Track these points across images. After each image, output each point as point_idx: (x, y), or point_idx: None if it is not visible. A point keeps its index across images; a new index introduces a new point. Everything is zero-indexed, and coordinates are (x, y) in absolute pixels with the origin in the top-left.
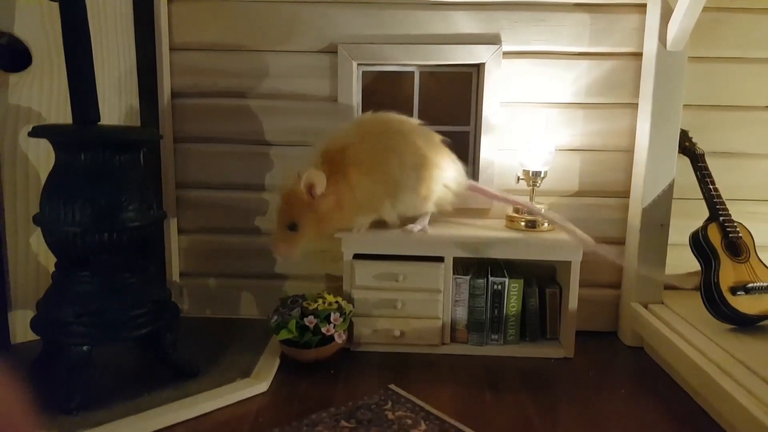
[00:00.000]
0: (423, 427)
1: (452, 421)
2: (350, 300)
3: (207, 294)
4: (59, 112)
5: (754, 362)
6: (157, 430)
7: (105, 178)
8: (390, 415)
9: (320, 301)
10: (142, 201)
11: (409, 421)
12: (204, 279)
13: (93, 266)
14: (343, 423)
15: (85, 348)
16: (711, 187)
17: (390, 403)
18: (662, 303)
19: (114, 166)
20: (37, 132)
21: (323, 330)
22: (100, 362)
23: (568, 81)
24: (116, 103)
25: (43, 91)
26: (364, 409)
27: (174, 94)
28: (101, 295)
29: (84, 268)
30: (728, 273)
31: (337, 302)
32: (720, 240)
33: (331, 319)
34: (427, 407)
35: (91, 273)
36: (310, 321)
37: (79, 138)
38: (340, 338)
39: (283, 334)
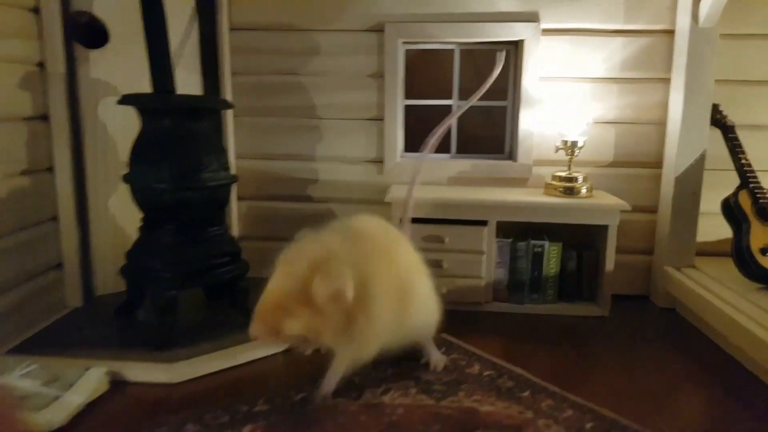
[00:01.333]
0: (477, 367)
1: (502, 363)
2: None
3: (263, 256)
4: (133, 85)
5: None
6: (238, 365)
7: (187, 141)
8: (445, 357)
9: None
10: (218, 163)
11: (464, 363)
12: (260, 242)
13: (178, 220)
14: (404, 362)
15: (172, 292)
16: (741, 156)
17: (444, 348)
18: (694, 267)
19: (195, 131)
20: (126, 100)
21: None
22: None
23: (603, 57)
24: (182, 80)
25: (119, 67)
26: (421, 352)
27: (233, 72)
28: (185, 245)
29: (169, 222)
30: (758, 236)
31: None
32: (750, 205)
33: None
34: (478, 352)
35: (176, 226)
36: None
37: (165, 105)
38: None
39: None
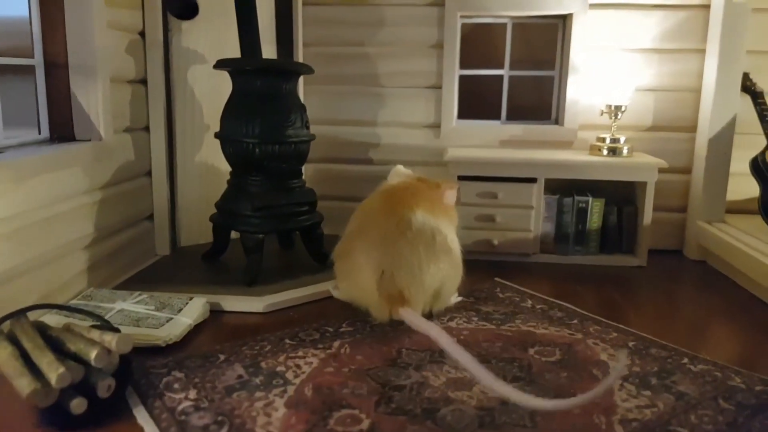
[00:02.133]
0: (530, 302)
1: (552, 299)
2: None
3: (329, 215)
4: (219, 53)
5: None
6: (318, 300)
7: (275, 100)
8: (500, 295)
9: None
10: (301, 120)
11: (518, 299)
12: (326, 202)
13: (264, 171)
14: (463, 298)
15: (260, 236)
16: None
17: (499, 288)
18: (724, 221)
19: (280, 91)
20: (221, 64)
21: None
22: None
23: (644, 29)
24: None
25: (207, 37)
26: (478, 292)
27: (305, 43)
28: (271, 194)
29: (257, 174)
30: None
31: None
32: None
33: None
34: (530, 291)
35: (263, 177)
36: None
37: (255, 67)
38: None
39: None
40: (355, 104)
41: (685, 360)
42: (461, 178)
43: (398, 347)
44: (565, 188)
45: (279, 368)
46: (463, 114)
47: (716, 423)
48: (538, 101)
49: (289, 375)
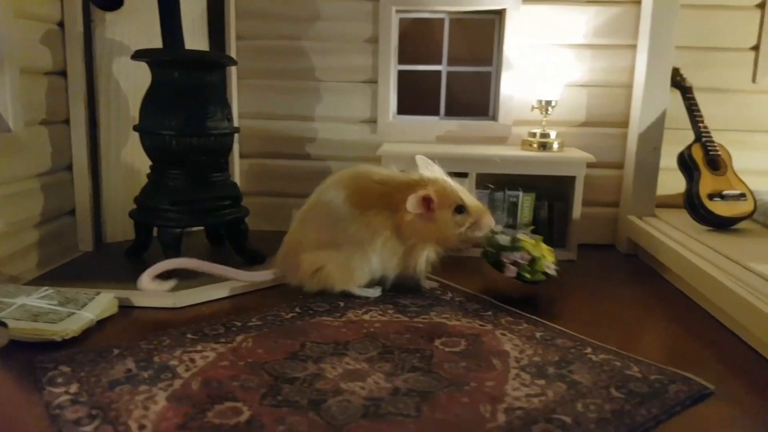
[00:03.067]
0: (450, 295)
1: (474, 292)
2: None
3: (264, 211)
4: (145, 45)
5: (729, 251)
6: (237, 295)
7: (194, 91)
8: (424, 289)
9: (533, 244)
10: (222, 113)
11: (439, 292)
12: (261, 198)
13: (183, 165)
14: (386, 292)
15: (177, 230)
16: (696, 114)
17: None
18: (655, 216)
19: (201, 83)
20: (139, 55)
21: (503, 256)
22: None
23: (578, 24)
24: (190, 43)
25: (133, 29)
26: (402, 285)
27: (238, 37)
28: (190, 188)
29: (176, 167)
30: (707, 183)
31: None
32: (702, 157)
33: (518, 257)
34: (454, 284)
35: (182, 171)
36: (503, 239)
37: (174, 58)
38: (509, 272)
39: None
40: (291, 99)
41: (589, 350)
42: None
43: (303, 341)
44: (501, 183)
45: (172, 362)
46: (406, 110)
47: (601, 411)
48: (481, 98)
49: (181, 369)
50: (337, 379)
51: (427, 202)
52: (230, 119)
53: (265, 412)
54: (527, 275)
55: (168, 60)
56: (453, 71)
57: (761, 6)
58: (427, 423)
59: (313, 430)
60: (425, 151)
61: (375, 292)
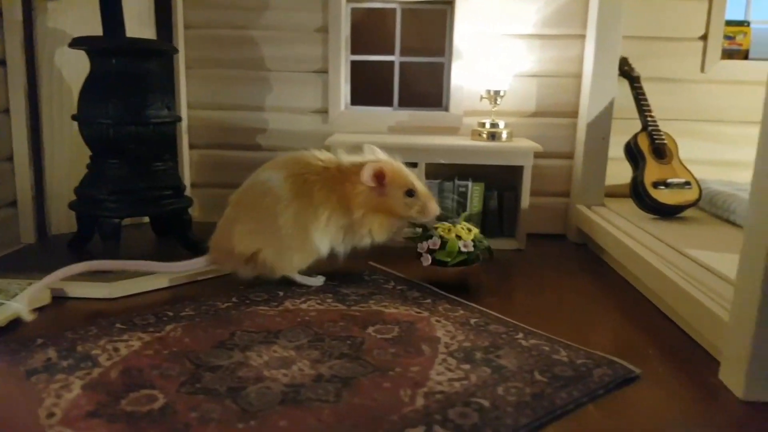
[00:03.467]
0: (392, 284)
1: (418, 281)
2: None
3: (214, 202)
4: (89, 33)
5: (670, 238)
6: (178, 285)
7: (132, 80)
8: (366, 278)
9: (463, 229)
10: (162, 101)
11: (382, 281)
12: (212, 189)
13: (122, 154)
14: (328, 282)
15: (116, 220)
16: (643, 103)
17: (367, 271)
18: (604, 205)
19: (139, 71)
20: (77, 43)
21: (418, 245)
22: (125, 244)
23: (528, 14)
24: (136, 33)
25: (74, 17)
26: (345, 275)
27: (186, 26)
28: (130, 177)
29: (115, 156)
30: (652, 171)
31: (473, 241)
32: (648, 145)
33: (429, 243)
34: (398, 273)
35: (121, 160)
36: (414, 232)
37: (111, 46)
38: (425, 261)
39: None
40: (241, 89)
41: (520, 335)
42: None
43: (234, 330)
44: (453, 174)
45: (94, 352)
46: (364, 100)
47: (522, 395)
48: (436, 88)
49: (103, 358)
50: (261, 367)
51: (380, 176)
52: (171, 108)
53: (181, 399)
54: (445, 258)
55: (105, 48)
56: (407, 62)
57: None
58: (343, 408)
59: (225, 417)
60: (375, 141)
61: (317, 281)
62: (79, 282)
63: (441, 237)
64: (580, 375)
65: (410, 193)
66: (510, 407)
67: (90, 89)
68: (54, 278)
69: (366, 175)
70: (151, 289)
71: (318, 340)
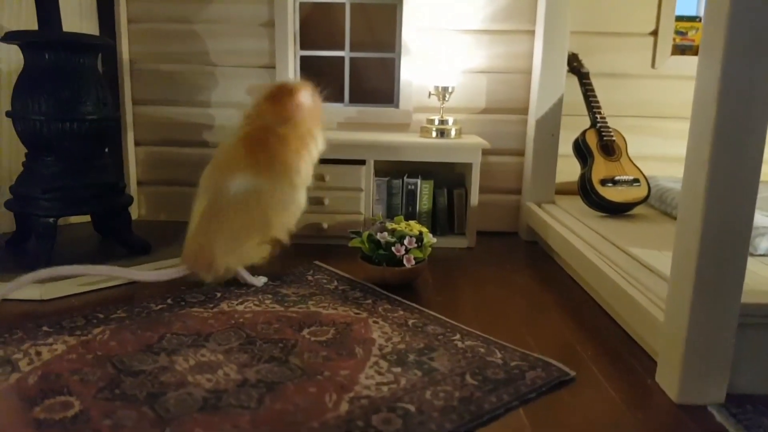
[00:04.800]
0: (335, 284)
1: (361, 281)
2: None
3: (161, 200)
4: (25, 27)
5: (614, 236)
6: (111, 286)
7: (66, 75)
8: (309, 278)
9: (404, 225)
10: (98, 98)
11: (324, 281)
12: (159, 187)
13: (57, 152)
14: (270, 283)
15: (50, 219)
16: (592, 99)
17: (312, 271)
18: (553, 203)
19: (74, 66)
20: (9, 37)
21: (393, 249)
22: (66, 242)
23: (475, 9)
24: (77, 27)
25: (12, 12)
26: (289, 274)
27: (130, 20)
28: (64, 175)
29: (49, 154)
30: (600, 169)
31: (420, 232)
32: (596, 142)
33: (405, 242)
34: (342, 273)
35: (56, 157)
36: (382, 237)
37: (44, 40)
38: (408, 263)
39: (354, 242)
40: (187, 84)
41: (457, 336)
42: None
43: (164, 333)
44: (402, 171)
45: (15, 356)
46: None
47: (449, 399)
48: (389, 84)
49: (23, 363)
50: (186, 371)
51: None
52: (107, 104)
53: (97, 405)
54: (420, 255)
55: (38, 42)
56: (361, 58)
57: None
58: (263, 414)
59: (140, 424)
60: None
61: (259, 282)
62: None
63: (409, 234)
64: (512, 378)
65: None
66: (436, 412)
67: (23, 85)
68: (17, 285)
69: (306, 98)
70: (86, 291)
71: (249, 343)
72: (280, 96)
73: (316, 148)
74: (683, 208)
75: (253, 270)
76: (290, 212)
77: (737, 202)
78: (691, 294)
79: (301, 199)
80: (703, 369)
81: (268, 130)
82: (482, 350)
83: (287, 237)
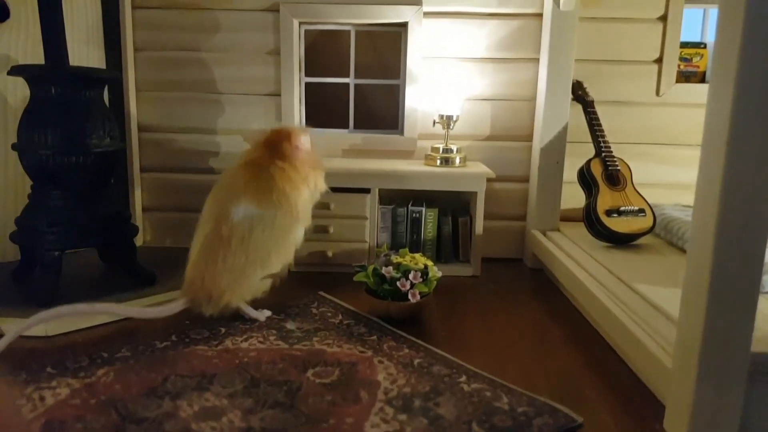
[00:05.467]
0: (339, 317)
1: (364, 314)
2: None
3: (167, 226)
4: (33, 59)
5: (621, 270)
6: (115, 321)
7: (72, 109)
8: (314, 311)
9: (409, 258)
10: (104, 130)
11: (329, 314)
12: (164, 213)
13: (63, 184)
14: (274, 316)
15: (56, 253)
16: (597, 128)
17: (316, 303)
18: (558, 230)
19: (80, 99)
20: (15, 71)
21: (398, 284)
22: (72, 272)
23: (480, 38)
24: (84, 55)
25: (19, 42)
26: (293, 307)
27: (136, 48)
28: (70, 208)
29: (55, 186)
30: (605, 199)
31: (425, 265)
32: (601, 172)
33: (410, 276)
34: (346, 305)
35: (62, 190)
36: (387, 271)
37: (50, 74)
38: (414, 297)
39: (359, 277)
40: (193, 111)
41: (463, 378)
42: None
43: (168, 374)
44: (407, 198)
45: (18, 402)
46: (321, 122)
47: None
48: (395, 111)
49: (27, 409)
50: (190, 418)
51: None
52: (113, 136)
53: None
54: (426, 289)
55: (45, 76)
56: (365, 84)
57: (663, 19)
58: None
59: None
60: (329, 166)
61: (262, 316)
62: (14, 319)
63: (414, 268)
64: (520, 425)
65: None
66: None
67: (29, 118)
68: (26, 326)
69: (306, 143)
70: (90, 326)
71: (254, 385)
72: (277, 140)
73: (316, 189)
74: (692, 261)
75: (258, 303)
76: (289, 244)
77: (747, 247)
78: (701, 341)
79: (299, 234)
80: (712, 419)
81: (270, 161)
82: (489, 394)
83: (285, 271)
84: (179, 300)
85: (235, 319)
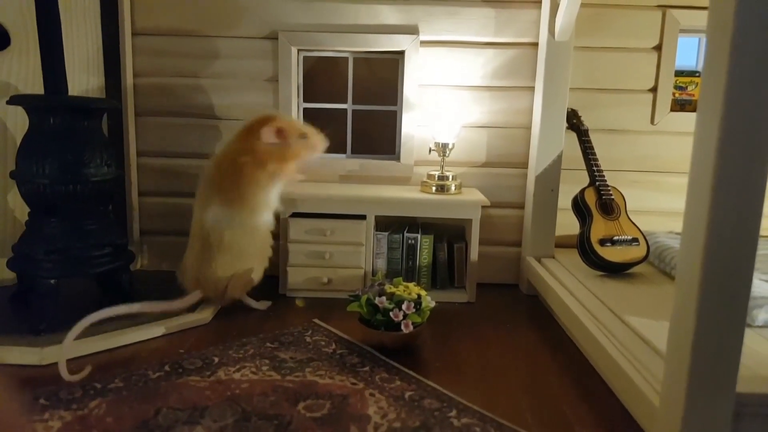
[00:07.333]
0: (333, 347)
1: (358, 342)
2: (286, 252)
3: (163, 250)
4: (33, 86)
5: (613, 302)
6: (110, 348)
7: (70, 138)
8: (308, 339)
9: (403, 288)
10: (101, 159)
11: (323, 343)
12: (161, 237)
13: (60, 213)
14: (268, 344)
15: (52, 281)
16: (591, 157)
17: (310, 331)
18: (553, 257)
19: (78, 129)
20: (14, 100)
21: (391, 314)
22: (68, 300)
23: (476, 66)
24: (84, 81)
25: (20, 69)
26: (287, 335)
27: (136, 74)
28: (67, 236)
29: (52, 215)
30: (599, 228)
31: (419, 295)
32: (595, 201)
33: (403, 307)
34: (340, 333)
35: (59, 219)
36: (380, 302)
37: (48, 104)
38: (407, 328)
39: (352, 307)
40: (191, 136)
41: (453, 413)
42: (293, 215)
43: (160, 406)
44: (403, 224)
45: None
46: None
47: None
48: (392, 134)
49: None
50: None
51: (279, 132)
52: (111, 165)
53: None
54: (419, 320)
55: (44, 106)
56: (363, 110)
57: (658, 48)
58: None
59: None
60: (326, 192)
61: (263, 306)
62: (9, 347)
63: (407, 298)
64: None
65: (303, 136)
66: None
67: (28, 147)
68: (78, 329)
69: (267, 136)
70: (84, 355)
71: (245, 419)
72: (250, 130)
73: (282, 177)
74: (679, 297)
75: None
76: (260, 235)
77: (735, 278)
78: (687, 382)
79: (265, 221)
80: None
81: (239, 153)
82: (478, 430)
83: (267, 263)
84: (194, 293)
85: (229, 348)
